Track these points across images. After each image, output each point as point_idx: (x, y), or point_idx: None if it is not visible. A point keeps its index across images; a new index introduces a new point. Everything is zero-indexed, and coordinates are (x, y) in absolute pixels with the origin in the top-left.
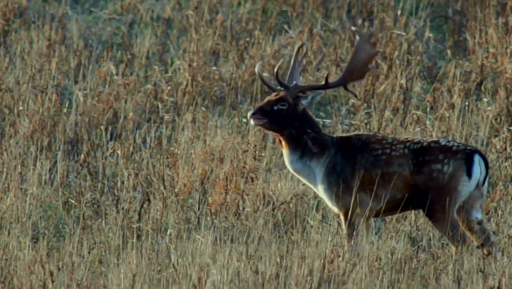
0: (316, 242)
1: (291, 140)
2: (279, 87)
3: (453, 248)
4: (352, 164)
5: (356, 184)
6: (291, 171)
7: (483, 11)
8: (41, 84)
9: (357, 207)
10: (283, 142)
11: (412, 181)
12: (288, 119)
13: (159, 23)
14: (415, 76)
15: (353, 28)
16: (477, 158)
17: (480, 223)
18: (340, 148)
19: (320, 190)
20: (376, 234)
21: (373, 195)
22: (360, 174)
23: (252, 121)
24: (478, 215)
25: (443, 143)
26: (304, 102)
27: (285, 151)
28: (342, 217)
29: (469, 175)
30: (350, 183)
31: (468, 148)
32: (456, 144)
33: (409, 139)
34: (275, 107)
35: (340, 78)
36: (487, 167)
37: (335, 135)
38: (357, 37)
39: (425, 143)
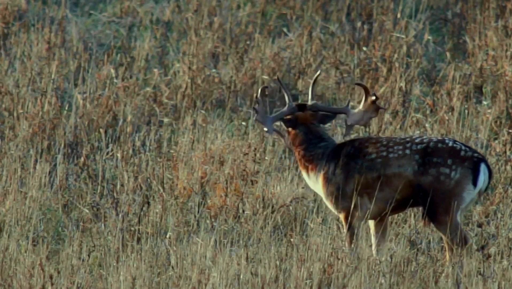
0: (315, 245)
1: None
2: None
3: (448, 254)
4: (347, 169)
5: (355, 188)
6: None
7: (482, 14)
8: (40, 87)
9: (357, 210)
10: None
11: (416, 182)
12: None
13: (159, 26)
14: (415, 79)
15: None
16: (482, 167)
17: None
18: (335, 156)
19: (323, 197)
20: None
21: (372, 198)
22: (357, 178)
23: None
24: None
25: (450, 144)
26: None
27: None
28: (343, 221)
29: (475, 184)
30: (345, 188)
31: (475, 154)
32: (463, 148)
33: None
34: None
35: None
36: (490, 176)
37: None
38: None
39: (431, 143)
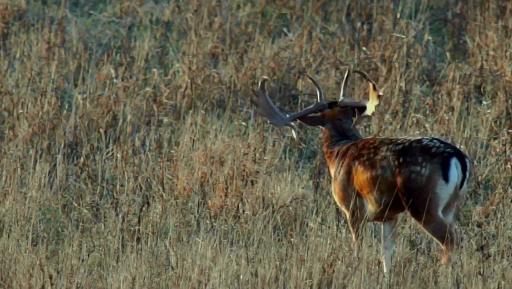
0: (315, 245)
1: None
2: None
3: (442, 254)
4: (348, 170)
5: (354, 188)
6: None
7: (482, 14)
8: (40, 87)
9: (356, 210)
10: None
11: (395, 182)
12: None
13: (159, 26)
14: (415, 79)
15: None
16: (453, 162)
17: (450, 225)
18: (343, 155)
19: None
20: (375, 237)
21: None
22: (355, 179)
23: None
24: (449, 217)
25: (424, 143)
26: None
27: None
28: (348, 220)
29: (446, 179)
30: (348, 188)
31: (447, 150)
32: (436, 145)
33: (391, 140)
34: None
35: None
36: (464, 169)
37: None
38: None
39: (407, 144)
